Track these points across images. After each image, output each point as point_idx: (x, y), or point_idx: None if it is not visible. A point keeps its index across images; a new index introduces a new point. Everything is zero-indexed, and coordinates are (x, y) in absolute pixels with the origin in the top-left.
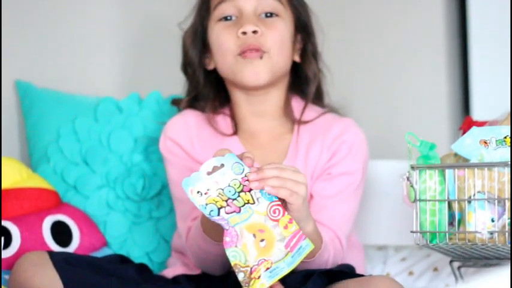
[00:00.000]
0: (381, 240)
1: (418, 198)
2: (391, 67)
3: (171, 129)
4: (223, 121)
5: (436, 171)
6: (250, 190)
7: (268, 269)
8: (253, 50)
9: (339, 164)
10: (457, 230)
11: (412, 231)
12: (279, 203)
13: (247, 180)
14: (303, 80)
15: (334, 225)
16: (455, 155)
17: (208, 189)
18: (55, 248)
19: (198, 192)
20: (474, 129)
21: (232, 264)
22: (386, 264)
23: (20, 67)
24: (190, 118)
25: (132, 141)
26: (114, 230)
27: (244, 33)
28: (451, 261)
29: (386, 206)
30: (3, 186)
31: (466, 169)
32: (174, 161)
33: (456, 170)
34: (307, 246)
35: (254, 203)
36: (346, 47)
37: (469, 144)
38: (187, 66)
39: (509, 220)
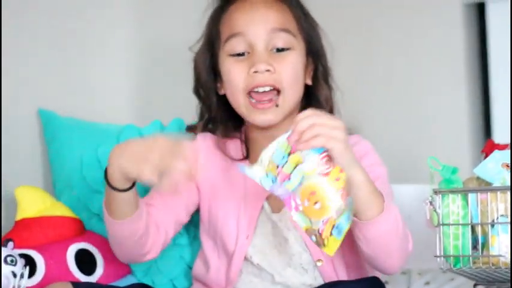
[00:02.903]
0: (405, 265)
1: (441, 222)
2: (412, 91)
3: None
4: (233, 145)
5: (459, 195)
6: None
7: (333, 226)
8: (266, 100)
9: None
10: (480, 253)
11: (435, 256)
12: (327, 153)
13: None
14: (315, 103)
15: None
16: (478, 178)
17: (261, 160)
18: (79, 276)
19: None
20: (496, 152)
21: (303, 230)
22: None
23: (43, 96)
24: (202, 142)
25: None
26: None
27: (256, 71)
28: (475, 285)
29: (409, 230)
30: (27, 215)
31: (489, 193)
32: None
33: (479, 193)
34: (351, 201)
35: (303, 162)
36: (365, 71)
37: (491, 168)
38: (199, 89)
39: None
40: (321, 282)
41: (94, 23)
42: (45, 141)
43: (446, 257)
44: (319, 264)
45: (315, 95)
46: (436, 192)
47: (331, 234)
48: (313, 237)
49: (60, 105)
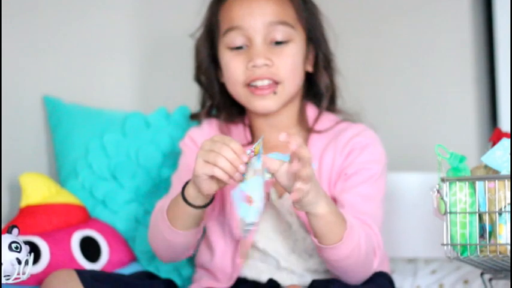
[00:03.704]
0: (411, 253)
1: (448, 210)
2: (419, 79)
3: (193, 131)
4: (237, 131)
5: (467, 183)
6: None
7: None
8: (265, 88)
9: (353, 163)
10: (488, 242)
11: (442, 244)
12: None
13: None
14: (316, 89)
15: (358, 213)
16: (485, 167)
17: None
18: (84, 263)
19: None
20: (504, 140)
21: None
22: (416, 277)
23: (47, 83)
24: (208, 128)
25: (160, 156)
26: (142, 245)
27: (254, 66)
28: (482, 274)
29: (416, 219)
30: (32, 202)
31: (497, 181)
32: (187, 151)
33: (486, 182)
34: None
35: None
36: (373, 59)
37: (499, 156)
38: (201, 76)
39: None
40: (326, 267)
41: (98, 10)
42: (50, 128)
43: (453, 245)
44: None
45: (315, 82)
46: (443, 180)
47: None
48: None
49: (65, 92)
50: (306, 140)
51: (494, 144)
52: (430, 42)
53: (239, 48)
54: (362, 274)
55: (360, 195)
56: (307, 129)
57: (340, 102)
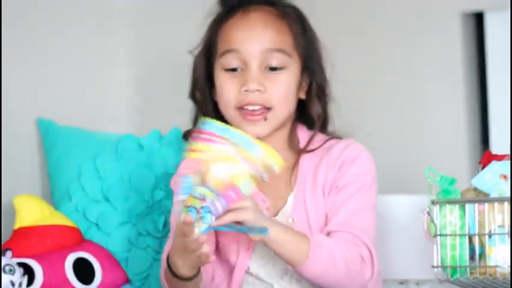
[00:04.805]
0: (402, 275)
1: (438, 233)
2: (410, 100)
3: (182, 167)
4: None
5: (457, 205)
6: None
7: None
8: (256, 113)
9: (344, 176)
10: (478, 264)
11: (433, 266)
12: None
13: None
14: (307, 115)
15: (348, 228)
16: (475, 189)
17: None
18: (77, 285)
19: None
20: (493, 164)
21: None
22: None
23: (41, 105)
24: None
25: (153, 178)
26: (135, 267)
27: (247, 90)
28: None
29: (406, 241)
30: (25, 224)
31: (486, 204)
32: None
33: (476, 204)
34: None
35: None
36: (363, 80)
37: (488, 179)
38: (196, 92)
39: None
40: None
41: (93, 33)
42: (44, 150)
43: (443, 267)
44: None
45: (307, 109)
46: (433, 202)
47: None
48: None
49: (59, 114)
50: (296, 161)
51: (484, 166)
52: (421, 65)
53: (234, 70)
54: (352, 284)
55: (348, 211)
56: (298, 151)
57: (331, 128)
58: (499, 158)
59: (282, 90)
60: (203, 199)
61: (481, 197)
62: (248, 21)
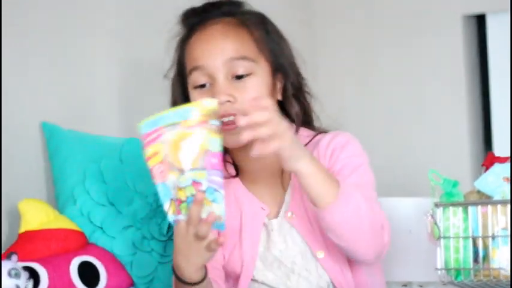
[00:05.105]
0: (406, 277)
1: (442, 235)
2: (412, 103)
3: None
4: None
5: (460, 208)
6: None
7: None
8: (231, 123)
9: (337, 160)
10: (481, 266)
11: (436, 269)
12: None
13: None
14: (287, 117)
15: None
16: (478, 191)
17: None
18: None
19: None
20: (496, 166)
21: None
22: None
23: (46, 109)
24: None
25: None
26: (140, 270)
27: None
28: None
29: (410, 243)
30: (30, 228)
31: (490, 206)
32: None
33: (479, 207)
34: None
35: None
36: (365, 83)
37: (491, 182)
38: None
39: None
40: (327, 279)
41: (95, 37)
42: (49, 154)
43: (447, 270)
44: (320, 256)
45: (286, 110)
46: (437, 205)
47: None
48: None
49: (63, 118)
50: None
51: (487, 169)
52: (423, 67)
53: (203, 86)
54: (372, 245)
55: (352, 184)
56: None
57: (317, 124)
58: (502, 160)
59: (252, 96)
60: (198, 183)
61: (484, 200)
62: (208, 35)
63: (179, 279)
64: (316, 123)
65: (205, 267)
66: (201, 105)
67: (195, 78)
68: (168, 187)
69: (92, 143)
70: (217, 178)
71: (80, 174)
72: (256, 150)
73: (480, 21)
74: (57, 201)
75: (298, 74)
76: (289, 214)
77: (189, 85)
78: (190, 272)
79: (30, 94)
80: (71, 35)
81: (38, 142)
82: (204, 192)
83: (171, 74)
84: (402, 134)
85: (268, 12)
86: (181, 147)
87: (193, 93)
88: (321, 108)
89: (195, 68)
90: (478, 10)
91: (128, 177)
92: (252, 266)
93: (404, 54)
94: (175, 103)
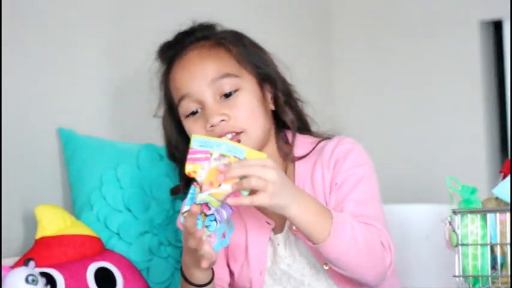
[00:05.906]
0: (423, 284)
1: (460, 242)
2: (429, 109)
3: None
4: None
5: (478, 215)
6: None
7: None
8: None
9: (339, 172)
10: (499, 274)
11: (454, 276)
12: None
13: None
14: (283, 124)
15: (357, 218)
16: (497, 198)
17: None
18: None
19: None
20: None
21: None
22: None
23: (62, 114)
24: None
25: None
26: (157, 276)
27: (212, 126)
28: None
29: (427, 250)
30: (47, 234)
31: (508, 213)
32: None
33: (498, 214)
34: None
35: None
36: (383, 92)
37: (510, 189)
38: (174, 152)
39: None
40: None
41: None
42: (65, 160)
43: (465, 277)
44: (326, 267)
45: (280, 118)
46: (455, 212)
47: None
48: None
49: (79, 124)
50: (292, 170)
51: (505, 176)
52: (440, 74)
53: (195, 113)
54: (374, 270)
55: (354, 201)
56: (291, 159)
57: (314, 128)
58: None
59: (245, 110)
60: (208, 207)
61: (503, 207)
62: (187, 62)
63: (187, 281)
64: (313, 128)
65: (212, 270)
66: (251, 152)
67: (185, 107)
68: (194, 193)
69: (109, 148)
70: (225, 215)
71: (97, 180)
72: (231, 200)
73: (497, 27)
74: (74, 207)
75: (284, 81)
76: (294, 226)
77: (181, 116)
78: (197, 273)
79: (46, 99)
80: (94, 40)
81: (54, 148)
82: (205, 215)
83: (160, 112)
84: (418, 141)
85: (286, 26)
86: (217, 179)
87: (186, 122)
88: (314, 112)
89: (183, 97)
90: (495, 16)
91: (144, 183)
92: (261, 282)
93: (421, 61)
94: (169, 143)
